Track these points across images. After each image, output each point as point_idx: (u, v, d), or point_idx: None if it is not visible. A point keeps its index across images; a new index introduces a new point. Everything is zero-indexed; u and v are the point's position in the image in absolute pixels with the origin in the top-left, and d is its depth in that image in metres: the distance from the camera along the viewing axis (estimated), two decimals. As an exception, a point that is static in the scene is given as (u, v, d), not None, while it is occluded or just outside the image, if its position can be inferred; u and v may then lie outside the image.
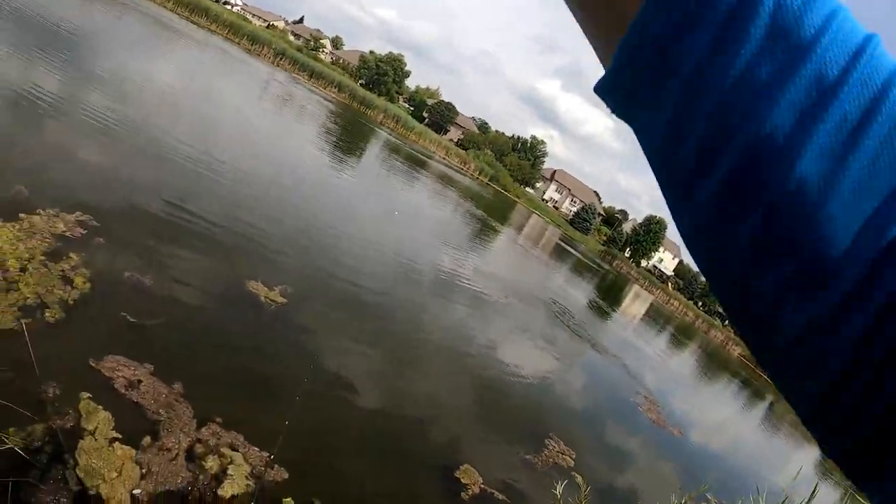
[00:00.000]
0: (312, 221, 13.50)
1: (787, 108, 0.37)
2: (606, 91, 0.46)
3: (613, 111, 0.47)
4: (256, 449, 5.35)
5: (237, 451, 5.19)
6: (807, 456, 23.94)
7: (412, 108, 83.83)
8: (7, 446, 4.22)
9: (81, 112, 11.67)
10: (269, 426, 5.76)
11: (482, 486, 7.10)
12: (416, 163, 44.28)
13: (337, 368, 7.85)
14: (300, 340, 8.06)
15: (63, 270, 6.41)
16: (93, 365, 5.34)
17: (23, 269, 6.07)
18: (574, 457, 9.63)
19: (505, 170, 76.87)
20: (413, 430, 7.71)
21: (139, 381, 5.40)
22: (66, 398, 4.87)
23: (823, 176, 0.36)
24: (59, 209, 7.51)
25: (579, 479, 8.83)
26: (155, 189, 9.92)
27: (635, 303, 50.63)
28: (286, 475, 5.30)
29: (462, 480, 6.95)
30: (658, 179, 0.46)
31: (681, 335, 47.52)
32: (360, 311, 10.31)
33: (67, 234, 7.14)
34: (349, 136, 35.40)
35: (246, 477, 4.96)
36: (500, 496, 7.14)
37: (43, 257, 6.44)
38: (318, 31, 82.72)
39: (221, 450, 5.10)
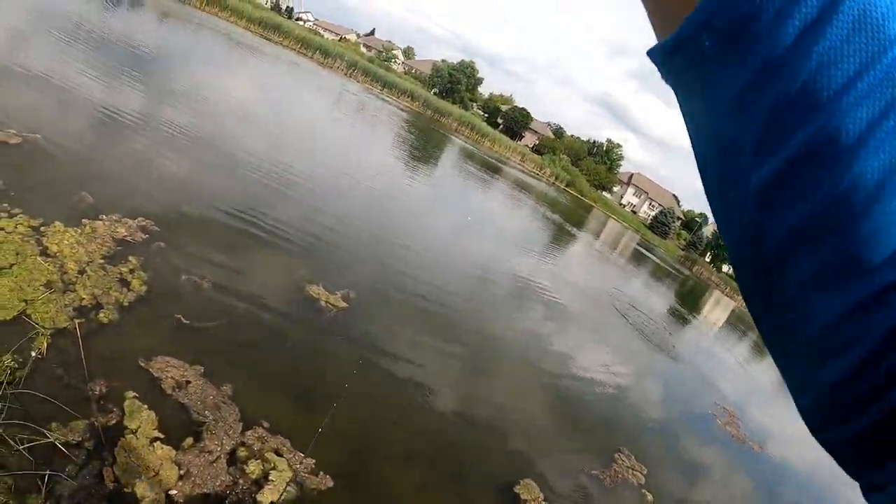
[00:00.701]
0: (383, 227, 13.46)
1: (858, 103, 0.37)
2: (664, 56, 0.45)
3: (665, 77, 0.47)
4: (302, 455, 5.20)
5: (282, 456, 5.08)
6: None
7: (486, 115, 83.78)
8: (48, 440, 4.22)
9: (157, 126, 12.00)
10: (311, 432, 5.64)
11: (542, 503, 6.76)
12: (491, 168, 44.13)
13: (393, 373, 7.70)
14: (358, 345, 7.92)
15: (121, 273, 6.48)
16: (142, 365, 5.33)
17: (81, 272, 6.17)
18: (645, 472, 9.14)
19: (581, 174, 75.89)
20: (472, 440, 7.43)
21: (188, 382, 5.36)
22: (112, 396, 4.87)
23: (883, 172, 0.37)
24: (122, 215, 7.65)
25: (650, 497, 8.40)
26: (221, 197, 10.06)
27: (716, 309, 48.88)
28: (331, 483, 5.14)
29: (521, 496, 6.59)
30: (702, 150, 0.46)
31: (761, 342, 45.55)
32: (425, 316, 10.15)
33: (129, 238, 7.25)
34: (423, 143, 35.56)
35: (288, 483, 4.83)
36: None
37: (102, 260, 6.53)
38: (390, 42, 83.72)
39: (265, 454, 4.99)
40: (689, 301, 40.51)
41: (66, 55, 13.97)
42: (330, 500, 4.99)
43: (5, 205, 6.54)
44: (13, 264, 5.76)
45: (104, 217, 7.39)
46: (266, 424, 5.31)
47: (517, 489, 6.71)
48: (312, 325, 7.78)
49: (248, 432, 5.15)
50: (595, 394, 11.54)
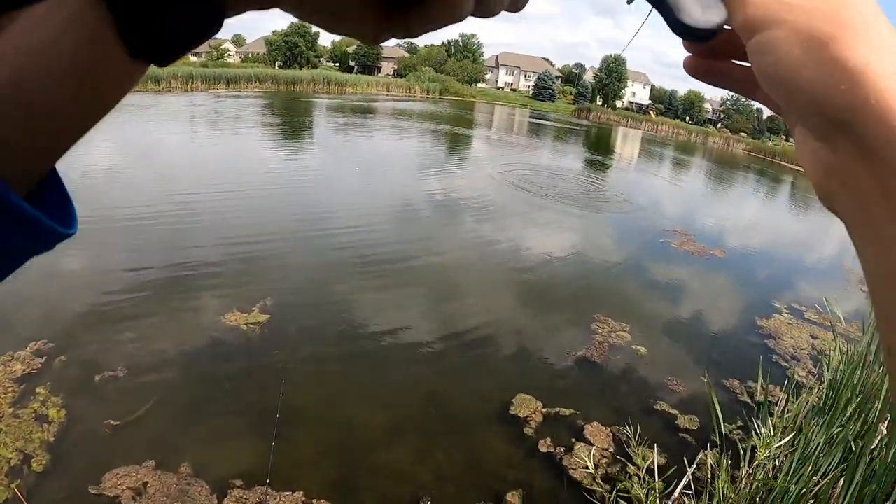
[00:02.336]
0: (278, 221, 13.01)
1: None
2: None
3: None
4: (288, 494, 5.07)
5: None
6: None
7: (337, 64, 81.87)
8: None
9: None
10: (291, 461, 5.50)
11: (543, 410, 6.77)
12: (363, 112, 43.31)
13: (352, 342, 7.55)
14: (295, 343, 7.73)
15: (35, 410, 6.11)
16: (94, 492, 5.09)
17: (-4, 432, 5.77)
18: (628, 329, 9.30)
19: (449, 77, 75.07)
20: (453, 376, 7.44)
21: (145, 484, 5.15)
22: None
23: None
24: (12, 351, 7.14)
25: (642, 350, 8.51)
26: (101, 273, 9.54)
27: (627, 144, 49.93)
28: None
29: (520, 415, 6.61)
30: None
31: (682, 155, 46.85)
32: (362, 268, 9.98)
33: (28, 370, 6.82)
34: (288, 119, 34.53)
35: (284, 529, 4.68)
36: (566, 411, 6.78)
37: (11, 409, 6.14)
38: (216, 39, 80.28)
39: (252, 513, 4.81)
40: (600, 147, 41.14)
41: None
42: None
43: None
44: (-77, 460, 5.37)
45: (-7, 364, 6.91)
46: (238, 482, 5.16)
47: (513, 409, 6.71)
48: (241, 353, 7.56)
49: (225, 500, 4.97)
50: (551, 275, 11.65)
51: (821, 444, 4.47)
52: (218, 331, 7.98)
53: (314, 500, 5.03)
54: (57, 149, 0.39)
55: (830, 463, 4.17)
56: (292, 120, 34.49)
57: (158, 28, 0.34)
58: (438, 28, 0.43)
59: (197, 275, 9.73)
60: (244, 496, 5.01)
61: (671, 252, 14.73)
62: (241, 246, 11.13)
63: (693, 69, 0.49)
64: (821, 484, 4.05)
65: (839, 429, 4.55)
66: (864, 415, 4.70)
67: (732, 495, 4.50)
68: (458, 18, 0.43)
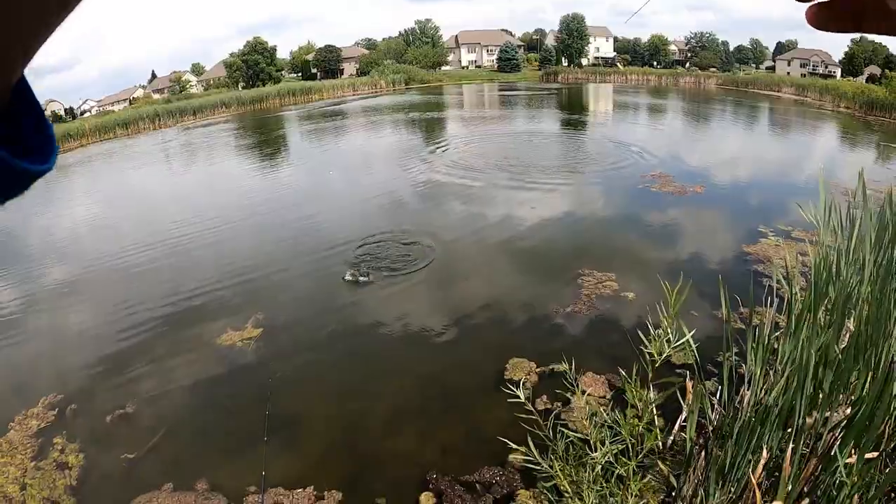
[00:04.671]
0: (261, 242, 13.23)
1: None
2: None
3: None
4: (300, 491, 5.35)
5: (281, 504, 5.18)
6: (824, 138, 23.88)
7: (299, 74, 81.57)
8: None
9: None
10: (300, 460, 5.77)
11: (537, 370, 7.01)
12: (332, 115, 43.29)
13: (352, 333, 7.80)
14: (285, 363, 7.99)
15: (55, 459, 6.42)
16: (121, 524, 5.33)
17: (22, 487, 6.09)
18: (614, 278, 9.46)
19: (412, 66, 74.79)
20: (443, 361, 7.61)
21: (167, 507, 5.38)
22: None
23: None
24: (25, 408, 7.43)
25: (630, 295, 8.70)
26: (98, 320, 9.82)
27: (599, 99, 49.82)
28: (340, 496, 5.35)
29: (515, 378, 6.83)
30: None
31: (655, 99, 46.86)
32: (346, 269, 10.16)
33: (43, 425, 7.11)
34: (261, 137, 34.58)
35: (300, 524, 4.96)
36: (560, 367, 6.93)
37: (33, 462, 6.44)
38: (175, 72, 79.85)
39: (268, 514, 5.08)
40: (574, 107, 41.15)
41: None
42: (350, 504, 5.15)
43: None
44: (-41, 529, 5.67)
45: (12, 424, 7.19)
46: (252, 489, 5.42)
47: (507, 374, 6.93)
48: (239, 368, 7.88)
49: (242, 507, 5.24)
50: (534, 238, 11.85)
51: (789, 356, 4.56)
52: (215, 352, 8.28)
53: (325, 493, 5.31)
54: (12, 49, 0.31)
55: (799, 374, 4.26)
56: (264, 138, 34.54)
57: None
58: None
59: (189, 305, 10.01)
60: (259, 500, 5.28)
61: (651, 196, 14.93)
62: (226, 270, 11.41)
63: (817, 18, 0.47)
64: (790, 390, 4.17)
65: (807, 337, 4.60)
66: (837, 317, 4.74)
67: (727, 423, 4.69)
68: None
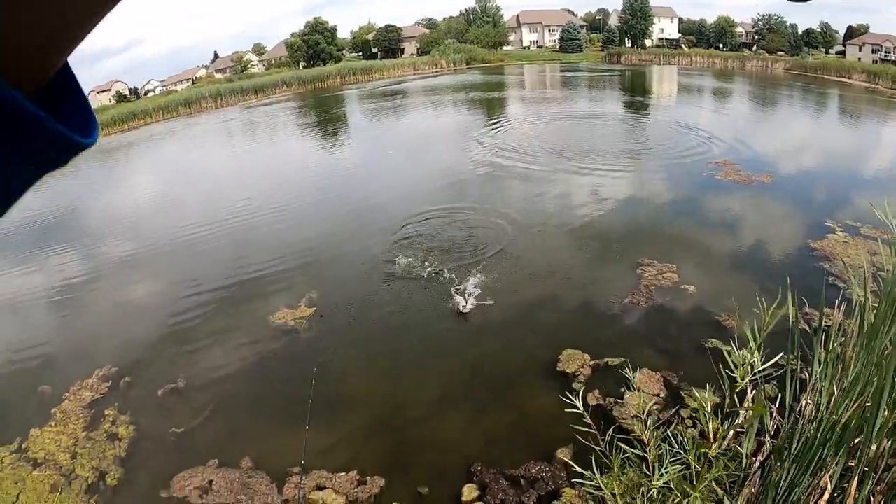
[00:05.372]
0: (321, 222, 13.21)
1: None
2: None
3: None
4: (343, 474, 5.24)
5: (325, 488, 5.13)
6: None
7: (360, 54, 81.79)
8: None
9: (56, 283, 11.74)
10: (344, 443, 5.68)
11: (591, 363, 6.68)
12: (394, 94, 43.24)
13: (399, 319, 7.67)
14: (336, 343, 7.86)
15: (106, 431, 6.48)
16: (164, 496, 5.41)
17: (73, 456, 6.17)
18: (675, 269, 9.01)
19: (473, 46, 74.19)
20: (495, 346, 7.39)
21: (210, 482, 5.42)
22: None
23: None
24: (80, 380, 7.54)
25: (691, 289, 8.31)
26: (152, 299, 9.94)
27: (664, 82, 48.43)
28: (382, 482, 5.21)
29: (568, 370, 6.56)
30: None
31: (720, 83, 45.30)
32: (402, 251, 10.02)
33: (96, 396, 7.21)
34: (322, 116, 34.76)
35: (343, 508, 4.85)
36: (615, 361, 6.65)
37: (85, 433, 6.52)
38: (237, 52, 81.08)
39: (310, 497, 5.04)
40: (637, 90, 40.20)
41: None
42: (391, 495, 5.05)
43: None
44: (18, 493, 5.78)
45: (67, 395, 7.31)
46: (296, 469, 5.33)
47: (560, 366, 6.66)
48: (291, 347, 7.81)
49: (284, 488, 5.22)
50: (595, 224, 11.46)
51: (861, 370, 4.14)
52: (268, 330, 8.25)
53: (368, 478, 5.19)
54: (64, 37, 0.35)
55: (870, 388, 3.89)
56: (324, 117, 34.72)
57: None
58: None
59: (245, 282, 10.04)
60: (302, 482, 5.20)
61: (716, 184, 14.29)
62: (284, 248, 11.41)
63: None
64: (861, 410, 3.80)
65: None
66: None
67: (785, 430, 4.37)
68: None
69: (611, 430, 3.46)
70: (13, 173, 0.36)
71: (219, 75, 75.44)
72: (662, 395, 6.00)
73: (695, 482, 3.25)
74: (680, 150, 18.23)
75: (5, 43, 0.32)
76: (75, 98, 0.40)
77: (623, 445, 3.25)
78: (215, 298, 9.54)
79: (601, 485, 3.26)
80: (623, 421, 5.52)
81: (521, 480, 5.05)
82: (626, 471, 3.46)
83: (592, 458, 3.25)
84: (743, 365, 3.03)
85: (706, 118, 25.83)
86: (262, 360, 7.60)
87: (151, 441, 6.22)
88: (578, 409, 3.14)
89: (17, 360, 8.63)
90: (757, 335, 3.09)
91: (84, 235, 14.79)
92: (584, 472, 3.30)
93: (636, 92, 39.01)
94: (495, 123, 25.00)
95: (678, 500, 3.28)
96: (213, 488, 5.32)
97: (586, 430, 3.07)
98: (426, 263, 9.63)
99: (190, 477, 5.50)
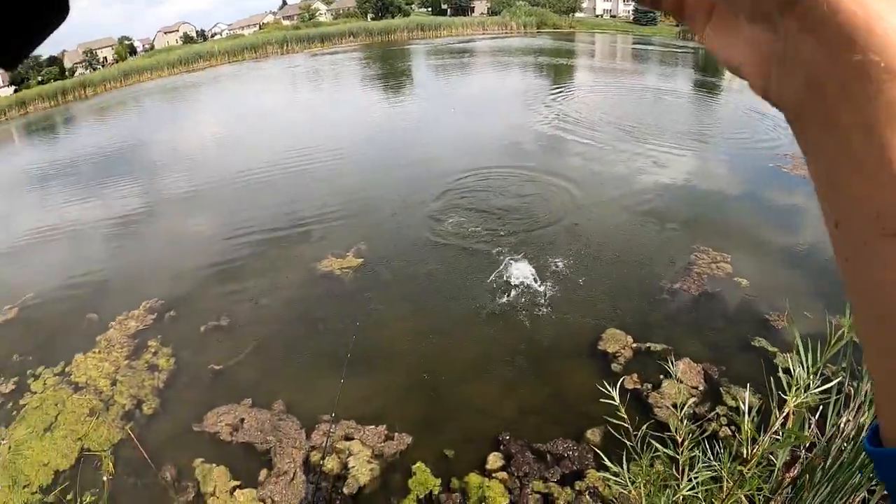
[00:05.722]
0: (379, 173, 13.14)
1: None
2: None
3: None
4: (372, 427, 5.21)
5: (353, 439, 5.13)
6: None
7: (430, 9, 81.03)
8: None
9: (114, 218, 11.99)
10: (377, 396, 5.66)
11: (633, 345, 6.43)
12: (462, 53, 42.72)
13: (445, 280, 7.59)
14: (380, 296, 7.79)
15: (147, 361, 6.60)
16: (196, 429, 5.48)
17: (113, 383, 6.32)
18: (729, 259, 8.58)
19: (545, 10, 72.61)
20: (540, 315, 7.22)
21: (242, 421, 5.46)
22: (183, 473, 5.05)
23: None
24: (127, 311, 7.69)
25: (744, 282, 7.95)
26: (202, 239, 10.05)
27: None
28: (409, 439, 5.15)
29: (609, 350, 6.33)
30: None
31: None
32: (455, 213, 9.90)
33: (141, 327, 7.35)
34: (387, 69, 34.60)
35: (368, 461, 4.89)
36: (657, 346, 6.38)
37: (126, 361, 6.67)
38: (304, 0, 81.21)
39: (337, 445, 5.05)
40: (710, 68, 38.82)
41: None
42: (416, 453, 5.00)
43: (28, 371, 6.76)
44: (57, 415, 5.94)
45: (113, 323, 7.48)
46: (326, 418, 5.32)
47: (602, 344, 6.44)
48: (334, 296, 7.77)
49: (313, 434, 5.24)
50: (651, 205, 11.06)
51: None
52: (314, 277, 8.25)
53: (396, 434, 5.16)
54: None
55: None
56: (389, 69, 34.55)
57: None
58: None
59: (296, 227, 10.07)
60: (330, 430, 5.20)
61: (781, 177, 13.55)
62: (338, 197, 11.38)
63: None
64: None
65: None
66: None
67: (821, 446, 4.14)
68: None
69: (644, 422, 3.30)
70: None
71: (286, 22, 75.75)
72: (701, 388, 5.75)
73: (725, 498, 3.09)
74: (747, 136, 17.42)
75: None
76: None
77: (655, 443, 3.09)
78: (265, 241, 9.60)
79: (626, 480, 3.12)
80: (658, 409, 5.34)
81: (548, 456, 4.94)
82: (654, 467, 3.30)
83: (623, 452, 3.10)
84: (797, 387, 2.82)
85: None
86: (305, 306, 7.61)
87: (189, 375, 6.32)
88: (614, 400, 2.98)
89: (69, 287, 8.87)
90: (818, 359, 2.88)
91: (144, 171, 15.09)
92: (611, 465, 3.16)
93: (708, 72, 37.67)
94: (561, 91, 24.40)
95: None
96: (243, 426, 5.37)
97: (619, 422, 2.92)
98: (478, 227, 9.47)
99: (223, 413, 5.57)
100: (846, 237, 0.41)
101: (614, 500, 3.73)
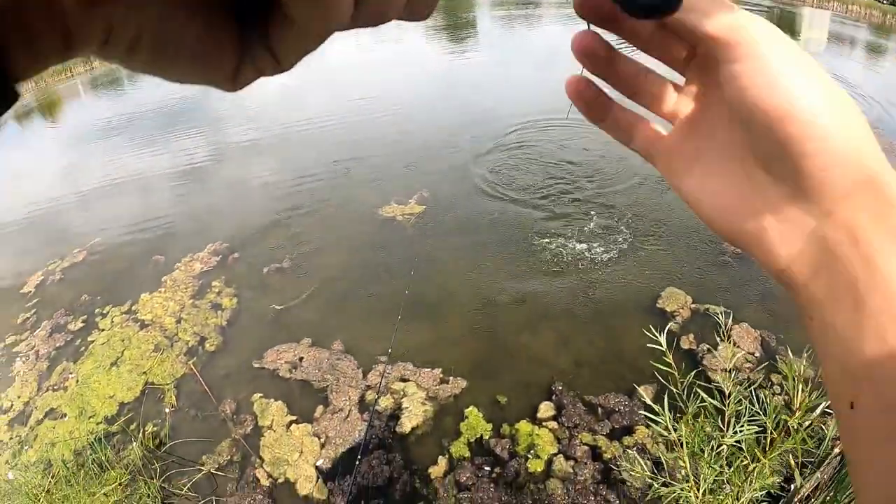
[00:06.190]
0: (445, 117, 13.02)
1: None
2: None
3: None
4: (427, 369, 5.26)
5: (408, 381, 5.16)
6: None
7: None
8: (204, 472, 4.52)
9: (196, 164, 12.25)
10: (436, 341, 5.69)
11: (692, 306, 6.25)
12: (527, 4, 41.89)
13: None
14: (442, 244, 7.76)
15: (211, 301, 6.76)
16: (256, 366, 5.60)
17: (178, 321, 6.50)
18: None
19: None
20: (602, 270, 7.08)
21: (301, 359, 5.56)
22: (242, 407, 5.17)
23: None
24: (192, 253, 7.87)
25: None
26: (261, 182, 10.19)
27: (813, 27, 44.04)
28: (464, 384, 5.14)
29: (667, 308, 6.15)
30: None
31: (877, 38, 41.09)
32: (522, 163, 9.80)
33: (205, 268, 7.51)
34: (450, 21, 34.06)
35: (422, 402, 4.92)
36: (716, 308, 6.22)
37: (191, 300, 6.84)
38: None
39: (392, 386, 5.09)
40: (784, 28, 37.17)
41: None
42: (470, 398, 5.01)
43: (97, 310, 7.00)
44: (123, 350, 6.16)
45: (178, 265, 7.67)
46: (382, 359, 5.39)
47: (660, 303, 6.30)
48: (395, 242, 7.77)
49: (369, 374, 5.28)
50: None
51: None
52: (375, 223, 8.27)
53: (451, 378, 5.19)
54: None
55: None
56: (452, 21, 33.98)
57: None
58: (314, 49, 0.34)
59: (359, 174, 10.07)
60: (386, 371, 5.26)
61: None
62: (401, 145, 11.32)
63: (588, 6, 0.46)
64: None
65: None
66: None
67: None
68: (331, 31, 0.32)
69: (692, 374, 3.24)
70: None
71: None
72: (757, 354, 5.57)
73: (768, 449, 3.02)
74: None
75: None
76: None
77: (702, 392, 3.03)
78: (328, 187, 9.65)
79: (669, 426, 3.07)
80: (711, 371, 5.24)
81: (599, 409, 4.89)
82: (699, 419, 3.24)
83: (666, 397, 3.06)
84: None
85: (855, 73, 23.55)
86: (366, 250, 7.65)
87: (251, 314, 6.46)
88: (661, 345, 2.93)
89: (136, 231, 9.11)
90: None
91: (208, 122, 15.32)
92: (654, 405, 3.12)
93: (782, 30, 35.96)
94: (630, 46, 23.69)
95: (746, 462, 3.06)
96: (302, 364, 5.48)
97: (666, 368, 2.87)
98: (544, 180, 9.32)
99: (282, 351, 5.68)
100: (868, 423, 0.38)
101: (662, 456, 3.70)
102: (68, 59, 0.30)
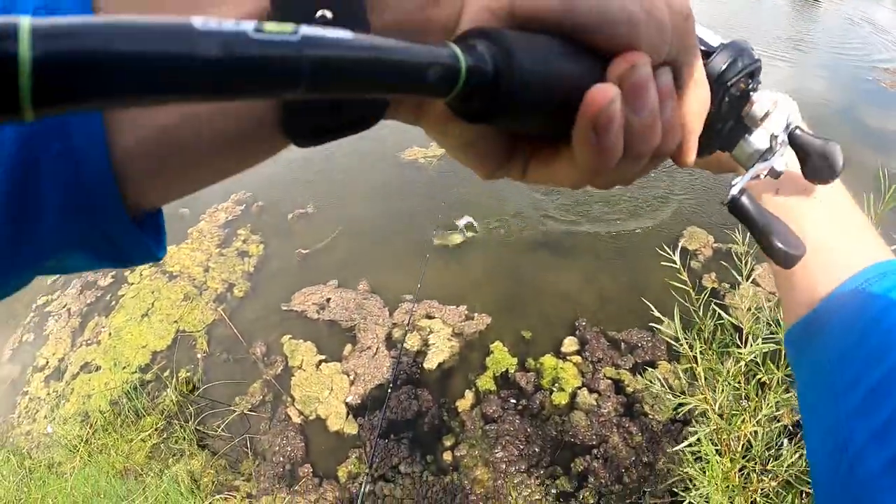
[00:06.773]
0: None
1: None
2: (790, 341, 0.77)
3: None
4: (453, 307, 5.32)
5: (433, 318, 5.21)
6: None
7: None
8: (236, 412, 4.66)
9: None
10: (460, 279, 5.74)
11: (714, 245, 6.20)
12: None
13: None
14: (467, 185, 7.72)
15: (237, 248, 6.84)
16: (284, 308, 5.69)
17: (206, 270, 6.59)
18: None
19: None
20: (624, 207, 7.04)
21: (328, 300, 5.63)
22: (272, 349, 5.27)
23: None
24: (217, 203, 7.93)
25: None
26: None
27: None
28: (489, 320, 5.19)
29: (689, 247, 6.01)
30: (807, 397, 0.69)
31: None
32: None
33: (230, 218, 7.55)
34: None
35: (448, 339, 4.98)
36: (739, 249, 6.09)
37: (217, 250, 6.90)
38: None
39: (418, 324, 5.15)
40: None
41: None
42: (495, 334, 5.07)
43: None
44: (153, 302, 6.28)
45: (203, 216, 7.72)
46: (408, 297, 5.46)
47: (683, 241, 6.25)
48: (419, 185, 7.72)
49: (395, 313, 5.35)
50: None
51: None
52: (398, 167, 8.23)
53: (476, 315, 5.25)
54: (181, 188, 0.43)
55: None
56: None
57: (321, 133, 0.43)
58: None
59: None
60: (413, 309, 5.33)
61: (879, 93, 12.40)
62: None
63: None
64: None
65: None
66: None
67: None
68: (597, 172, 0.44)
69: (718, 320, 3.24)
70: (74, 259, 0.38)
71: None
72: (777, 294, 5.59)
73: (781, 363, 3.04)
74: (847, 47, 15.95)
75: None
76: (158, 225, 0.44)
77: (719, 310, 3.05)
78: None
79: (679, 334, 3.09)
80: (733, 308, 5.23)
81: (622, 344, 4.93)
82: (717, 336, 3.26)
83: (677, 314, 3.07)
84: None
85: (885, 16, 22.55)
86: (389, 193, 7.66)
87: (278, 260, 6.53)
88: (675, 263, 2.94)
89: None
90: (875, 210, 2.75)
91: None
92: (662, 317, 3.14)
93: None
94: None
95: (761, 376, 3.08)
96: (329, 305, 5.55)
97: (682, 286, 2.89)
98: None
99: (310, 294, 5.76)
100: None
101: (685, 392, 3.74)
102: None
